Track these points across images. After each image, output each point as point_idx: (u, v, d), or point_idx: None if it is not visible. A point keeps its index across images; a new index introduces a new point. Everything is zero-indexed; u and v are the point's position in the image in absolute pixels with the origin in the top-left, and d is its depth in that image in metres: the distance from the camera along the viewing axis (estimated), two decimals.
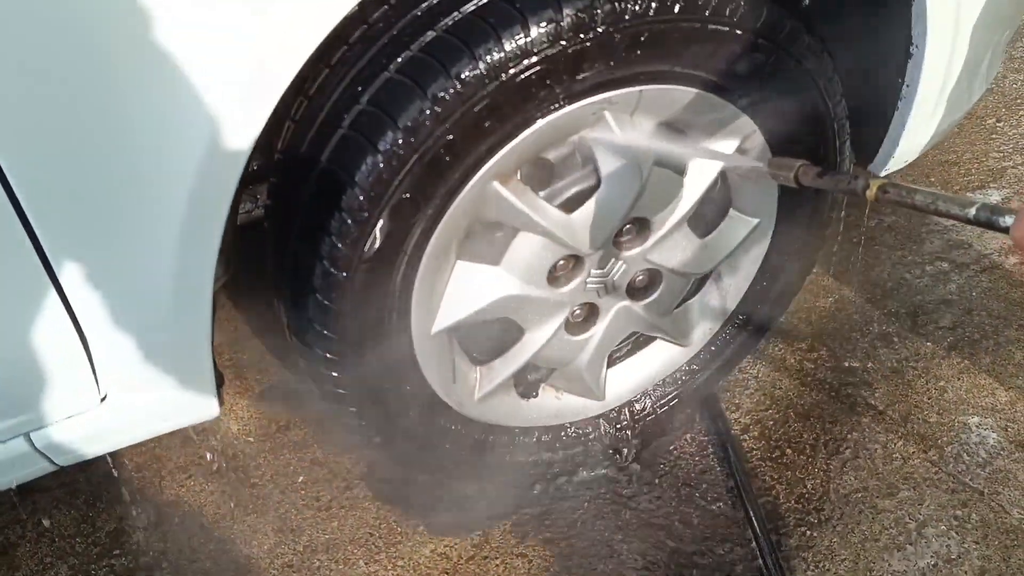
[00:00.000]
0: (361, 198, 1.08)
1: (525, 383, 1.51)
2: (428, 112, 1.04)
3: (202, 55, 0.91)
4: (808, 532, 1.50)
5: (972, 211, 0.93)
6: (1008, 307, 1.82)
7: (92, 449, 1.22)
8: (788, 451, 1.63)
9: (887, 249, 2.00)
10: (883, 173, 1.54)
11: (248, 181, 1.28)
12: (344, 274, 1.13)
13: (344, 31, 1.06)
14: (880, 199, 1.03)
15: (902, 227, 2.05)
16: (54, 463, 1.21)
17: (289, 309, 1.23)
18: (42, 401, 1.13)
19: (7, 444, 1.16)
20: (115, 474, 1.69)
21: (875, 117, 1.46)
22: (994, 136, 2.29)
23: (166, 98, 0.92)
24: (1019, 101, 2.39)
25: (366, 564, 1.56)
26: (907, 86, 1.39)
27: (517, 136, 1.11)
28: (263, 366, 1.89)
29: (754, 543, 1.49)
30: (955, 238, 2.00)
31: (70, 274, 1.01)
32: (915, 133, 1.47)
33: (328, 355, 1.22)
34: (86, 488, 1.71)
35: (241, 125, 0.97)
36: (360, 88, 1.08)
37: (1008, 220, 0.88)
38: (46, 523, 1.66)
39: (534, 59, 1.05)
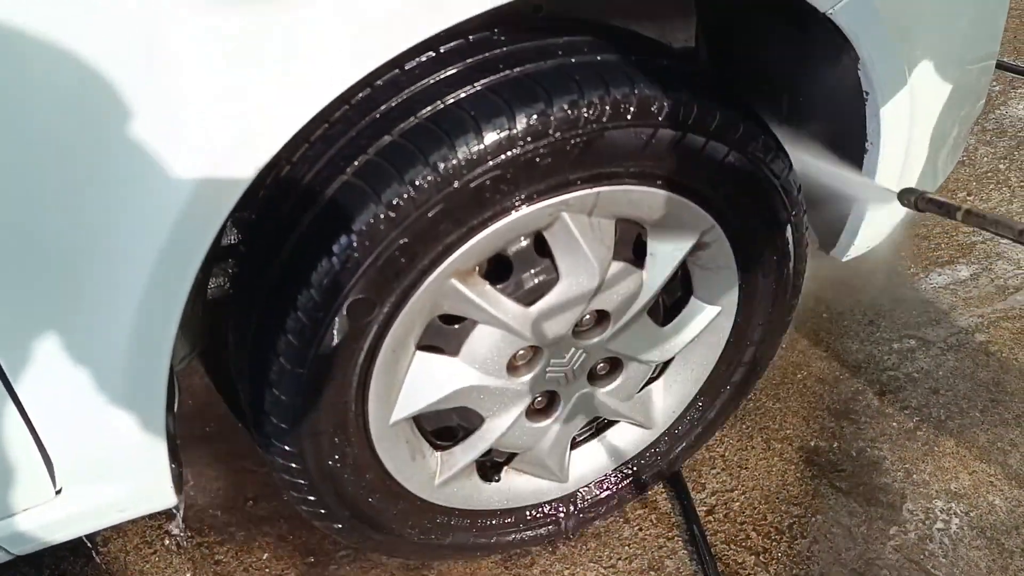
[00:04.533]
0: (317, 299, 1.09)
1: (486, 467, 1.51)
2: (382, 217, 1.05)
3: (174, 135, 0.92)
4: None
5: None
6: (974, 387, 1.84)
7: (47, 539, 1.22)
8: (753, 534, 1.63)
9: (856, 324, 2.02)
10: (845, 259, 1.56)
11: (223, 255, 1.29)
12: (300, 370, 1.14)
13: (305, 128, 1.08)
14: None
15: (872, 302, 2.06)
16: (9, 552, 1.21)
17: (247, 400, 1.24)
18: None
19: None
20: (79, 548, 1.67)
21: (835, 205, 1.49)
22: None
23: (132, 175, 0.93)
24: (990, 175, 2.42)
25: None
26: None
27: (472, 238, 1.13)
28: (232, 436, 1.89)
29: None
30: (924, 314, 2.01)
31: (19, 370, 1.02)
32: (876, 222, 1.49)
33: (285, 447, 1.23)
34: (50, 561, 1.69)
35: (199, 224, 0.98)
36: (317, 189, 1.10)
37: None
38: None
39: (488, 165, 1.07)
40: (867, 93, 1.27)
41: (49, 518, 1.18)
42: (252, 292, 1.20)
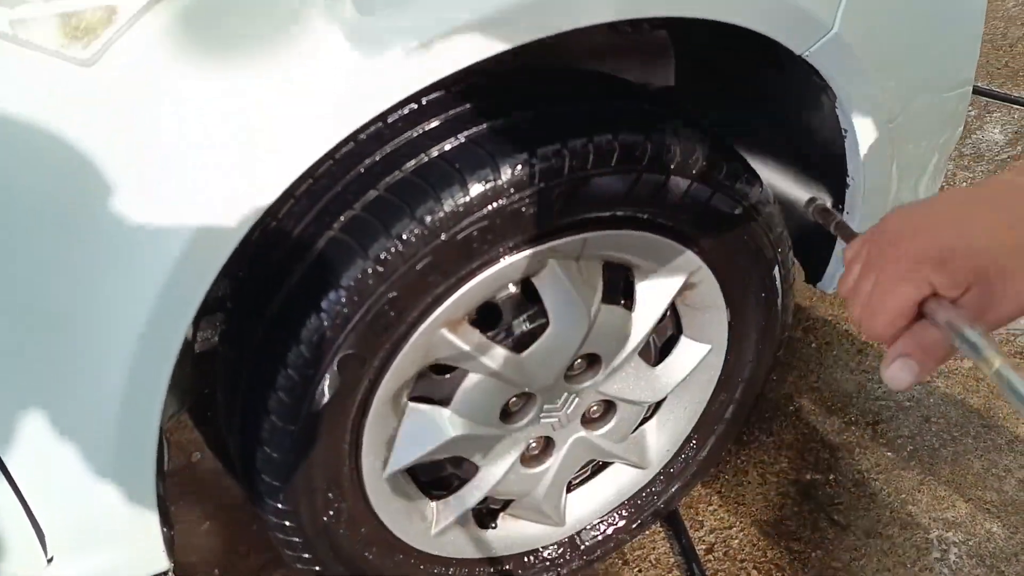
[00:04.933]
0: (307, 355, 1.08)
1: (483, 514, 1.50)
2: (370, 271, 1.05)
3: (162, 193, 0.92)
4: None
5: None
6: (965, 414, 1.84)
7: None
8: (754, 572, 1.62)
9: (844, 354, 2.02)
10: (831, 291, 1.57)
11: (211, 308, 1.28)
12: (292, 427, 1.13)
13: (291, 184, 1.07)
14: None
15: (859, 331, 2.07)
16: None
17: (238, 458, 1.23)
18: None
19: None
20: None
21: (820, 240, 1.50)
22: None
23: (119, 238, 0.92)
24: None
25: None
26: (847, 213, 1.42)
27: (461, 288, 1.13)
28: (223, 489, 1.86)
29: None
30: None
31: (8, 439, 1.00)
32: None
33: (279, 505, 1.21)
34: None
35: (187, 285, 0.97)
36: (304, 245, 1.10)
37: None
38: None
39: (474, 217, 1.07)
40: (845, 131, 1.28)
41: None
42: (241, 349, 1.19)
